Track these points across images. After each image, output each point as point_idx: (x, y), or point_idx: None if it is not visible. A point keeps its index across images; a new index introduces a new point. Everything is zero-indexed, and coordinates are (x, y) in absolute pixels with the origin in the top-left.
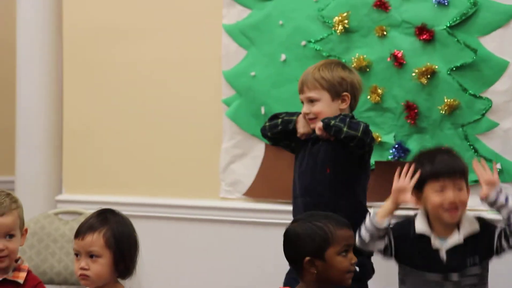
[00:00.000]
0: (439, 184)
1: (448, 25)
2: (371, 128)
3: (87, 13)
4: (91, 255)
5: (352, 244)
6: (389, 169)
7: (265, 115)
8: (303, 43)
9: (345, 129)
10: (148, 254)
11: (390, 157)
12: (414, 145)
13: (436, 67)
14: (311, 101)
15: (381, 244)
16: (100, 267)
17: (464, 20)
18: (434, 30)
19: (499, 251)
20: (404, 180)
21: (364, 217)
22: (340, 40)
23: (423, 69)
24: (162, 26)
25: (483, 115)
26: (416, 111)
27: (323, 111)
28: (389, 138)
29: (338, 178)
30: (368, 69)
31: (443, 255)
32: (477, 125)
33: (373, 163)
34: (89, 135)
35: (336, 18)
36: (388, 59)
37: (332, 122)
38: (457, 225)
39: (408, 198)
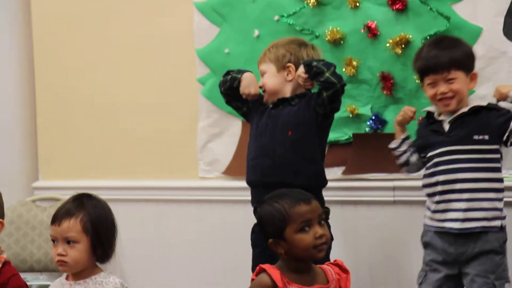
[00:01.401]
0: (429, 79)
1: None
2: (348, 100)
3: None
4: (68, 241)
5: (312, 218)
6: (366, 141)
7: None
8: (276, 18)
9: (327, 74)
10: (129, 238)
11: (367, 129)
12: (391, 116)
13: (410, 36)
14: (263, 75)
15: (415, 157)
16: (77, 252)
17: None
18: None
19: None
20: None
21: (324, 182)
22: (313, 14)
23: (397, 39)
24: (132, 6)
25: None
26: (392, 81)
27: (269, 82)
28: (366, 110)
29: (299, 141)
30: (342, 42)
31: (446, 125)
32: None
33: (351, 135)
34: (63, 121)
35: None
36: (362, 31)
37: (315, 63)
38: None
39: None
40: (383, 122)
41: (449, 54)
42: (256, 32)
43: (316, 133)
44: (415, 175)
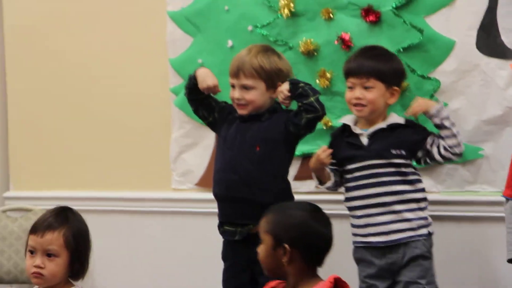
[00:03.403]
0: (350, 82)
1: (394, 6)
2: None
3: (27, 2)
4: (48, 254)
5: None
6: None
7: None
8: (250, 28)
9: (312, 98)
10: (101, 250)
11: None
12: None
13: None
14: (245, 88)
15: (337, 175)
16: (56, 266)
17: (409, 1)
18: (380, 11)
19: (427, 156)
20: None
21: (291, 198)
22: (286, 24)
23: None
24: (105, 14)
25: (432, 95)
26: None
27: (257, 99)
28: (339, 123)
29: (267, 157)
30: (316, 53)
31: (364, 140)
32: None
33: None
34: (34, 130)
35: (282, 2)
36: (336, 42)
37: (302, 84)
38: (383, 121)
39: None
40: None
41: (374, 63)
42: (230, 43)
43: (284, 150)
44: None
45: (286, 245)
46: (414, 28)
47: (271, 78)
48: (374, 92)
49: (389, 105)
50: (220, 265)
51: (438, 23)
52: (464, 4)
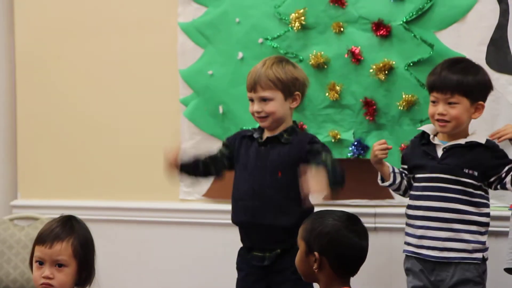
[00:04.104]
0: (433, 96)
1: (405, 20)
2: (330, 125)
3: (39, 10)
4: (57, 264)
5: None
6: (348, 166)
7: (223, 114)
8: (260, 40)
9: (342, 186)
10: (108, 259)
11: (349, 155)
12: (373, 141)
13: (394, 62)
14: (264, 100)
15: (406, 180)
16: (65, 276)
17: (420, 15)
18: (390, 25)
19: (499, 182)
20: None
21: None
22: (297, 37)
23: (381, 65)
24: (117, 25)
25: None
26: (374, 107)
27: (277, 110)
28: (348, 135)
29: (288, 182)
30: (325, 66)
31: (439, 151)
32: None
33: None
34: (43, 139)
35: (293, 14)
36: (346, 56)
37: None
38: (464, 137)
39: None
40: (365, 148)
41: (459, 78)
42: (240, 55)
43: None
44: (395, 202)
45: (316, 253)
46: (424, 43)
47: (288, 87)
48: (458, 108)
49: (473, 119)
50: (228, 274)
51: (449, 38)
52: (474, 19)
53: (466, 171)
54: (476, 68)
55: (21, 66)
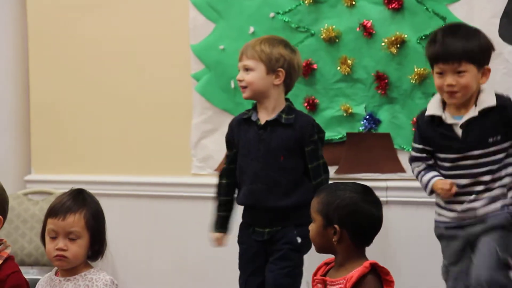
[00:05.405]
0: (438, 68)
1: None
2: (342, 99)
3: None
4: (70, 236)
5: None
6: (360, 140)
7: (235, 89)
8: (272, 15)
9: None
10: (120, 233)
11: (361, 128)
12: (385, 115)
13: (406, 36)
14: (247, 69)
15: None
16: (78, 248)
17: None
18: None
19: None
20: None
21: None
22: (308, 11)
23: (393, 38)
24: (128, 1)
25: None
26: (386, 81)
27: (256, 82)
28: (360, 109)
29: (290, 165)
30: (337, 40)
31: (458, 130)
32: None
33: (345, 134)
34: (56, 114)
35: None
36: (357, 29)
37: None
38: (474, 103)
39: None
40: (377, 122)
41: (463, 44)
42: (252, 29)
43: (300, 156)
44: (407, 176)
45: (336, 226)
46: (436, 16)
47: (271, 61)
48: (467, 76)
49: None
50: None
51: (461, 11)
52: None
53: (491, 140)
54: (476, 32)
55: (34, 40)
